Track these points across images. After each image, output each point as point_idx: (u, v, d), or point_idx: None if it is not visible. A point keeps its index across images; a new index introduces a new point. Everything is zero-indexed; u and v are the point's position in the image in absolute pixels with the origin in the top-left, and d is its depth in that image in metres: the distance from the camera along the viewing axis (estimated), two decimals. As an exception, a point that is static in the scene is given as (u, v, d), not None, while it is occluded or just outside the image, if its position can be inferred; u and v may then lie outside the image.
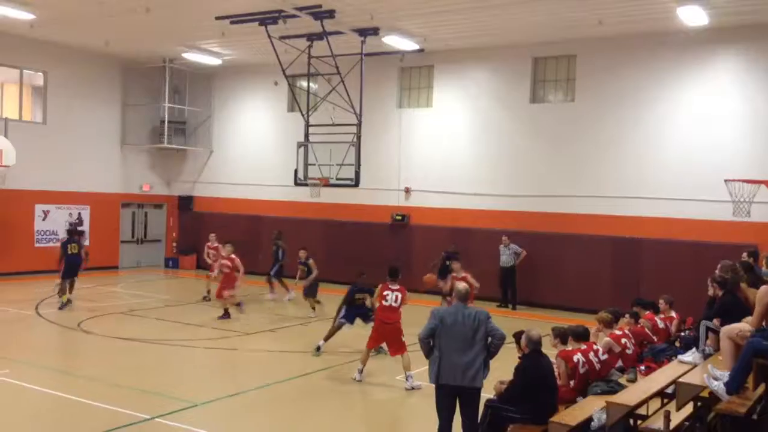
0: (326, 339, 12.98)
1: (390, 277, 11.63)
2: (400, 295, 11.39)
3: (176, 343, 13.69)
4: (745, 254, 12.56)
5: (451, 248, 18.19)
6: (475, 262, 19.73)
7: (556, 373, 8.02)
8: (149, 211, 26.38)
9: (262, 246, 24.25)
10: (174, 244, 26.77)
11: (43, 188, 22.50)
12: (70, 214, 23.37)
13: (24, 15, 18.54)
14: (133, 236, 25.60)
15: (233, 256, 16.31)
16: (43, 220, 22.71)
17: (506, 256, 19.36)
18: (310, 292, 16.99)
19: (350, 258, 20.87)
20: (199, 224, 25.62)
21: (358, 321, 13.07)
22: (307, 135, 19.44)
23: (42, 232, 22.68)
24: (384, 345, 11.96)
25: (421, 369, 9.98)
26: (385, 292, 11.43)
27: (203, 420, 9.14)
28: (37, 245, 22.49)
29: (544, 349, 7.70)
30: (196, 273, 23.77)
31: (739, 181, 14.57)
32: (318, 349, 12.98)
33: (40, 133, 22.61)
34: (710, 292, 9.28)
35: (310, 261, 17.00)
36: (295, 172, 19.12)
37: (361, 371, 11.33)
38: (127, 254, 25.31)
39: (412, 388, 10.90)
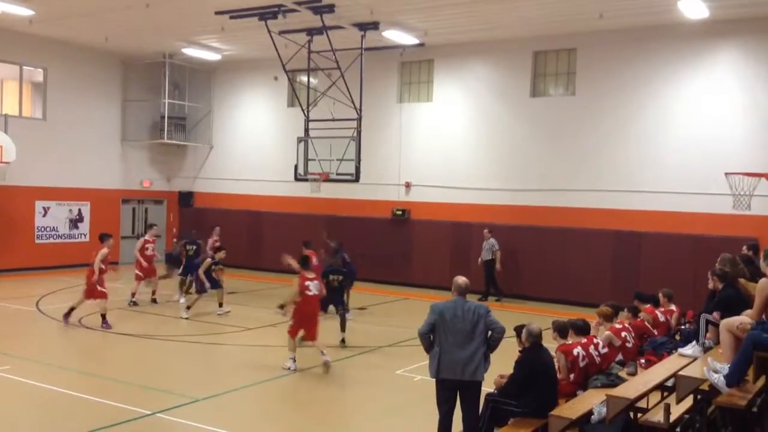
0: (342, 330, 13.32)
1: (304, 267, 11.64)
2: (317, 283, 11.54)
3: (177, 338, 13.73)
4: (745, 247, 12.57)
5: (334, 243, 16.66)
6: (475, 256, 19.79)
7: (556, 367, 8.03)
8: (149, 207, 26.37)
9: (262, 241, 24.33)
10: (174, 240, 26.74)
11: (44, 184, 22.49)
12: (71, 210, 23.40)
13: (23, 11, 18.53)
14: (133, 232, 25.57)
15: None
16: (44, 216, 22.71)
17: (485, 250, 19.32)
18: (206, 288, 15.87)
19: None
20: (199, 220, 25.62)
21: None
22: (307, 130, 19.43)
23: (42, 229, 22.69)
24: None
25: (421, 364, 9.98)
26: (306, 283, 11.36)
27: (204, 415, 9.15)
28: (37, 242, 22.52)
29: (544, 343, 7.70)
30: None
31: (739, 174, 14.52)
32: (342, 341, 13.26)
33: (40, 129, 22.60)
34: (710, 285, 9.25)
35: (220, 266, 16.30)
36: (295, 167, 19.13)
37: (293, 359, 11.41)
38: (127, 250, 25.22)
39: (289, 369, 11.27)
